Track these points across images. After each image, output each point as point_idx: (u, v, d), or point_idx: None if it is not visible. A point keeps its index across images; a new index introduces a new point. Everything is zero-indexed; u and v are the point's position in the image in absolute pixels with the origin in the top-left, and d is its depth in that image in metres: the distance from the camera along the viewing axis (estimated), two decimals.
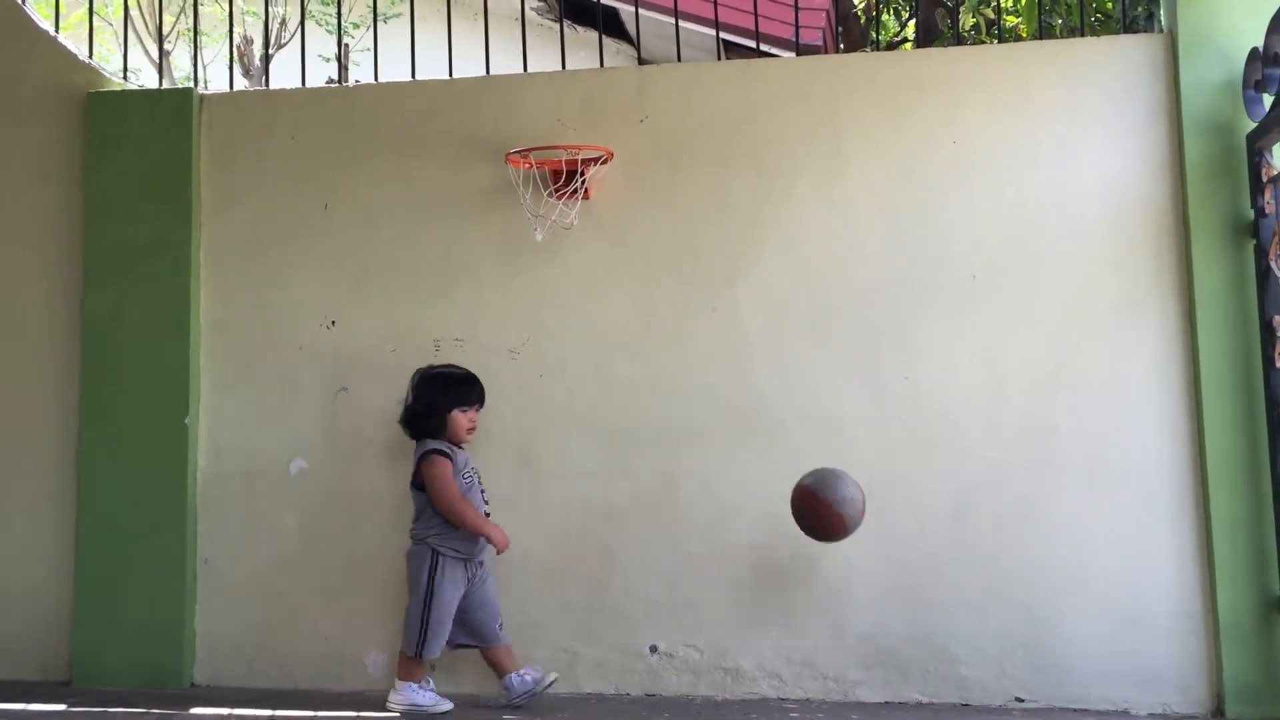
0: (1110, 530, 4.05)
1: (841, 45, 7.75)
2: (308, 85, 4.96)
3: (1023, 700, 4.04)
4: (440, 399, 4.09)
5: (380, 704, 4.09)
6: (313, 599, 4.48)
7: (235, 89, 5.28)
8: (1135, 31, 5.01)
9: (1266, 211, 3.89)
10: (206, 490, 4.58)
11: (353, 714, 4.04)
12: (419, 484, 4.06)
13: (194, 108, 4.70)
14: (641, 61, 5.81)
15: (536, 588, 4.36)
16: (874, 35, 5.99)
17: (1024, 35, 7.26)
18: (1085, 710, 3.96)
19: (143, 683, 4.42)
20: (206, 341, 4.64)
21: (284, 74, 6.10)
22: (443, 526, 4.00)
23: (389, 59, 5.13)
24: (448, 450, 4.03)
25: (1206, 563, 3.99)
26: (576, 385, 4.42)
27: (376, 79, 5.00)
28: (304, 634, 4.47)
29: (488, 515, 4.06)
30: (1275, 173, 3.86)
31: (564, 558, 4.36)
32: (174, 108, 4.71)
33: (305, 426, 4.56)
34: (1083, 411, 4.12)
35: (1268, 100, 3.87)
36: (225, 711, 4.08)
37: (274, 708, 4.13)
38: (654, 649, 4.28)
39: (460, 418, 4.09)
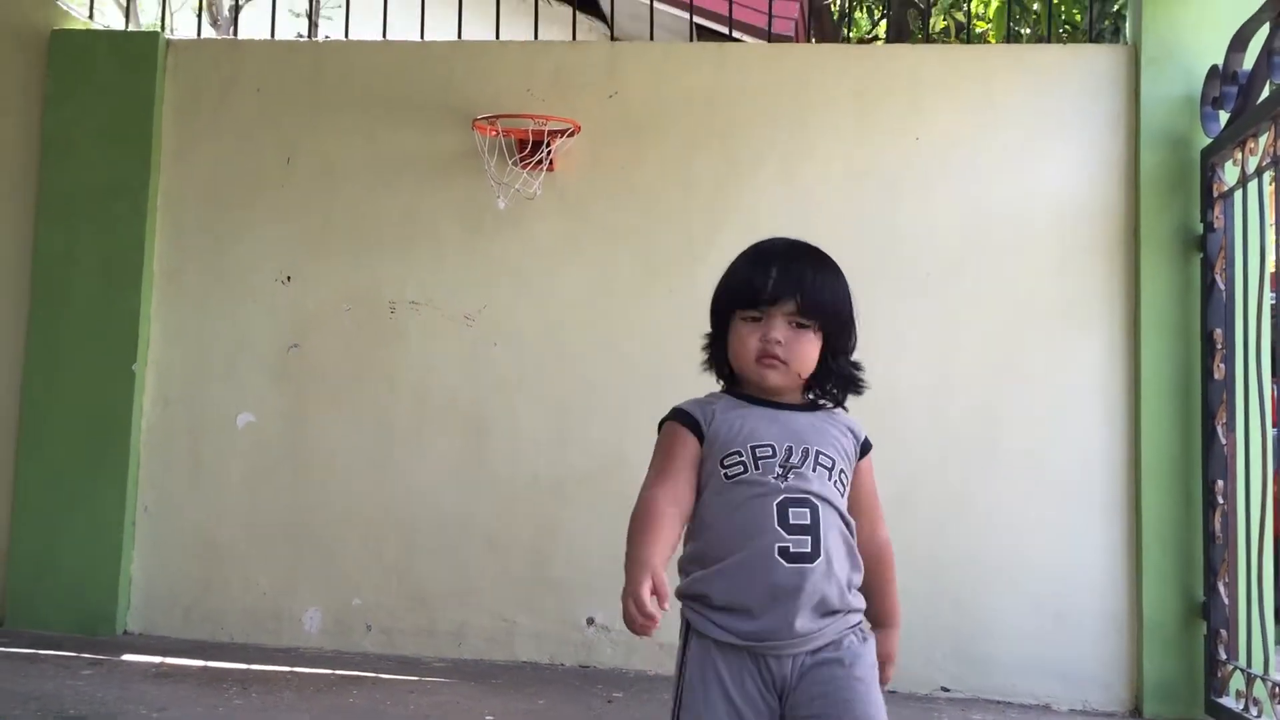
0: (1044, 527, 4.14)
1: (813, 38, 7.79)
2: (276, 38, 4.91)
3: (948, 690, 4.12)
4: (717, 297, 2.00)
5: (315, 660, 4.10)
6: (253, 553, 4.47)
7: (202, 37, 5.21)
8: (1101, 43, 5.09)
9: (1215, 226, 3.98)
10: (151, 439, 4.54)
11: (285, 669, 4.05)
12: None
13: (159, 52, 4.65)
14: (614, 40, 5.81)
15: (480, 555, 4.37)
16: (846, 30, 6.03)
17: (993, 41, 7.35)
18: (1008, 703, 4.05)
19: (75, 628, 4.39)
20: (159, 289, 4.59)
21: (252, 27, 6.04)
22: (700, 566, 1.85)
23: (360, 17, 5.10)
24: (696, 412, 1.91)
25: (1135, 564, 4.08)
26: (530, 355, 4.43)
27: (347, 36, 4.97)
28: (242, 588, 4.46)
29: (802, 553, 1.80)
30: (1226, 189, 3.94)
31: (508, 527, 4.38)
32: (139, 51, 4.65)
33: (254, 380, 4.53)
34: (1025, 410, 4.20)
35: (1223, 117, 3.96)
36: (156, 660, 4.06)
37: (206, 659, 4.13)
38: (591, 621, 4.32)
39: (744, 331, 1.90)
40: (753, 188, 4.41)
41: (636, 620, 1.67)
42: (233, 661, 4.11)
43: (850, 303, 1.94)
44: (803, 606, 1.73)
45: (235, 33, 5.35)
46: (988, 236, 4.29)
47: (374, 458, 4.45)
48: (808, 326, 1.86)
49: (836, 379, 1.92)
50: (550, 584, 4.34)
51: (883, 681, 1.84)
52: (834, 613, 1.78)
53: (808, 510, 1.77)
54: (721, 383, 1.97)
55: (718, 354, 1.93)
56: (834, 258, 1.97)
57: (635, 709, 3.75)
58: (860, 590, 1.85)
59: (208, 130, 4.64)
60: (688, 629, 1.82)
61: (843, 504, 1.83)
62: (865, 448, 1.93)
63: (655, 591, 1.67)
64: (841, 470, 1.85)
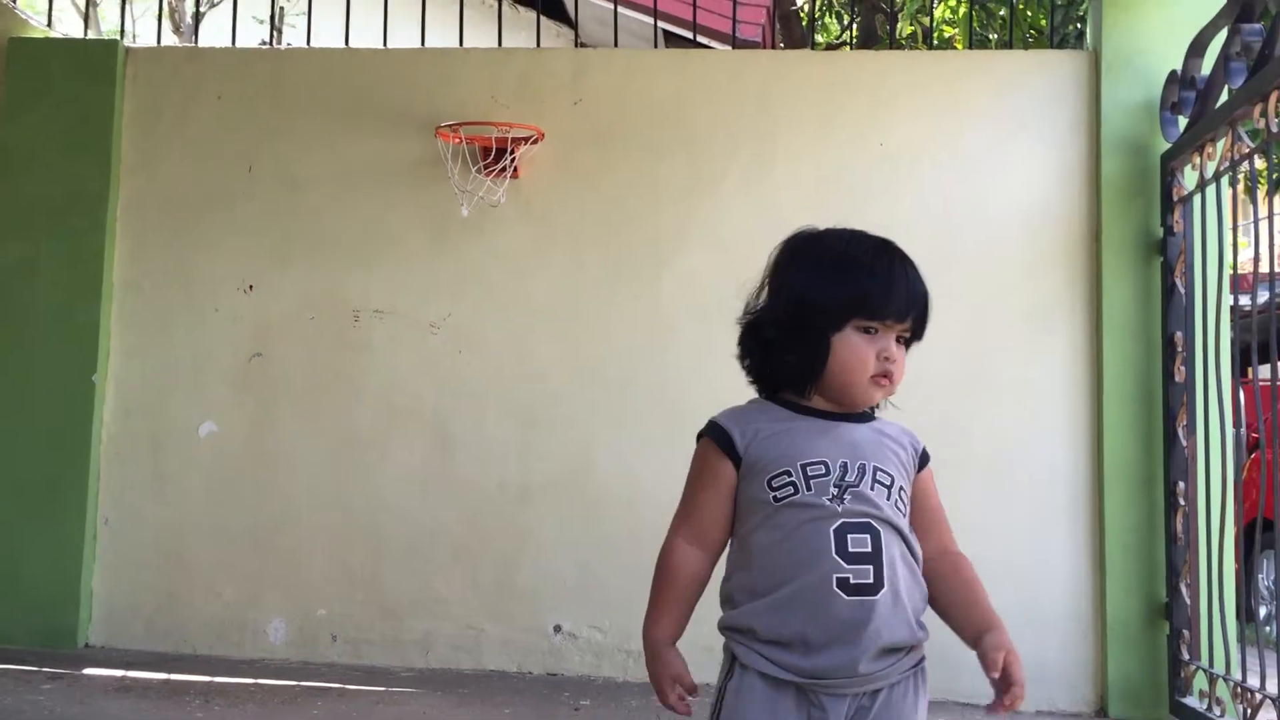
0: (1009, 530, 4.15)
1: (781, 44, 7.82)
2: (238, 45, 4.88)
3: None
4: (823, 298, 1.68)
5: (280, 671, 4.06)
6: (216, 564, 4.43)
7: (163, 45, 5.18)
8: (1065, 48, 5.12)
9: (1175, 230, 4.01)
10: (111, 450, 4.50)
11: (249, 681, 4.01)
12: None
13: (119, 60, 4.61)
14: (579, 45, 5.81)
15: (446, 564, 4.35)
16: (814, 37, 6.05)
17: (959, 47, 7.39)
18: (974, 705, 4.06)
19: (36, 642, 4.33)
20: (119, 300, 4.55)
21: (215, 34, 6.00)
22: (748, 596, 1.65)
23: (323, 24, 5.07)
24: (734, 430, 1.68)
25: (1098, 566, 4.10)
26: (496, 363, 4.42)
27: (309, 43, 4.94)
28: (205, 599, 4.42)
29: (864, 585, 1.60)
30: (1185, 193, 3.97)
31: (476, 535, 4.36)
32: (99, 59, 4.61)
33: (217, 390, 4.49)
34: (990, 414, 4.22)
35: (1182, 122, 3.99)
36: (118, 673, 4.02)
37: (170, 671, 4.08)
38: (558, 629, 4.30)
39: (860, 343, 1.66)
40: (718, 195, 4.41)
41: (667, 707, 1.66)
42: (196, 674, 4.07)
43: None
44: (868, 644, 1.55)
45: (196, 40, 5.31)
46: (953, 242, 4.30)
47: (339, 467, 4.42)
48: (904, 342, 1.69)
49: None
50: (517, 592, 4.32)
51: (1015, 693, 1.64)
52: (901, 650, 1.61)
53: (868, 536, 1.58)
54: (754, 387, 1.74)
55: (796, 361, 1.65)
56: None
57: (603, 716, 3.74)
58: (944, 609, 1.73)
59: (168, 139, 4.60)
60: (732, 660, 1.65)
61: (905, 525, 1.64)
62: (924, 459, 1.74)
63: (678, 681, 1.66)
64: (901, 487, 1.65)
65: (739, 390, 4.57)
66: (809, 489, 1.59)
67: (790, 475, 1.60)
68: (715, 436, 1.66)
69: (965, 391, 4.23)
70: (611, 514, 4.30)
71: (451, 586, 4.34)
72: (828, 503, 1.58)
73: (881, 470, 1.63)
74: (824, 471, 1.60)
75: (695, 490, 1.69)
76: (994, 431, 4.21)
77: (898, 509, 1.63)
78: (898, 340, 1.67)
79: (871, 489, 1.61)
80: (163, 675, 4.03)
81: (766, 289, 1.76)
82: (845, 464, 1.61)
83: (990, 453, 4.20)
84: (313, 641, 4.36)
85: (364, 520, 4.38)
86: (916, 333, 1.70)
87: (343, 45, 4.77)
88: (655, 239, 4.40)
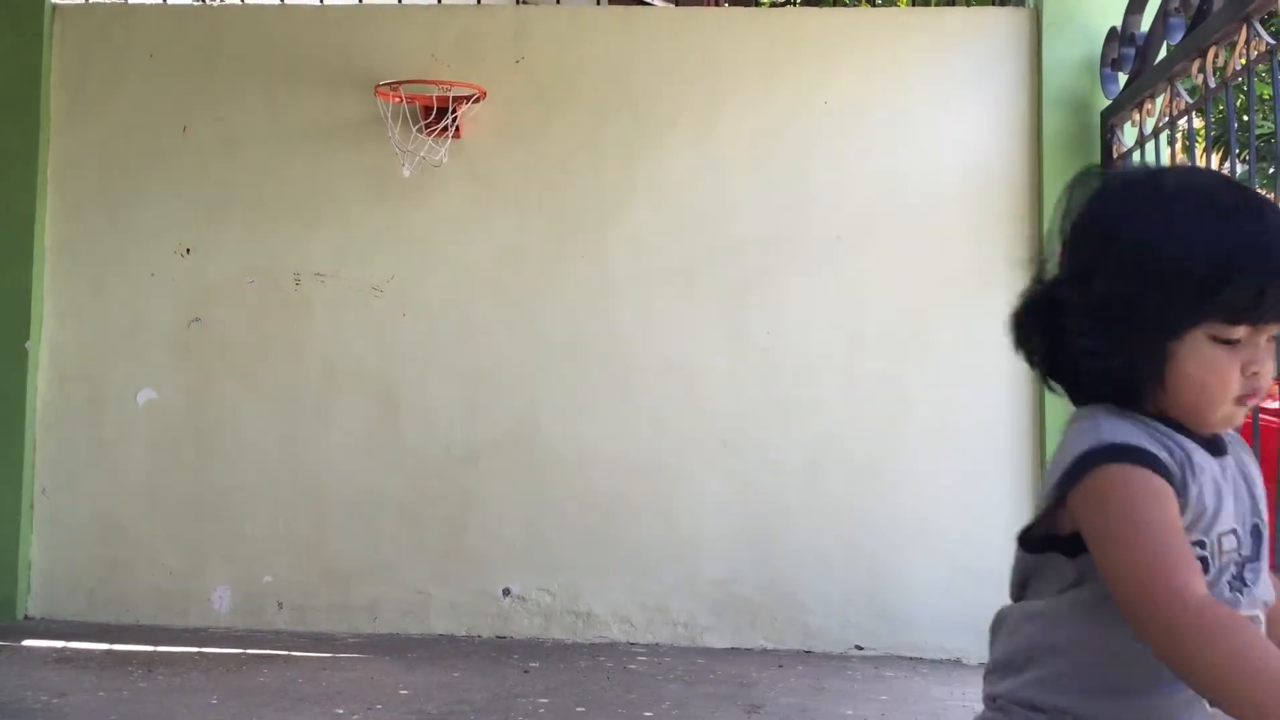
0: (954, 486, 4.20)
1: (727, 2, 7.76)
2: (170, 2, 4.75)
3: (862, 648, 4.17)
4: (1175, 285, 1.09)
5: (225, 640, 4.02)
6: (158, 533, 4.36)
7: (92, 1, 5.03)
8: (1006, 5, 5.13)
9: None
10: (47, 418, 4.40)
11: (194, 650, 3.96)
12: (1045, 543, 1.18)
13: (46, 17, 4.47)
14: (521, 2, 5.72)
15: (393, 529, 4.32)
16: None
17: (902, 4, 7.38)
18: (920, 659, 4.11)
19: None
20: (51, 264, 4.44)
21: None
22: (1077, 687, 1.13)
23: None
24: (1167, 459, 1.10)
25: None
26: (440, 326, 4.37)
27: (243, 1, 4.82)
28: (147, 568, 4.35)
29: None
30: (1125, 149, 4.01)
31: (422, 499, 4.33)
32: (23, 16, 4.47)
33: (155, 356, 4.41)
34: (934, 372, 4.25)
35: (1122, 79, 4.01)
36: (59, 644, 3.96)
37: (112, 642, 4.02)
38: (507, 591, 4.29)
39: (1219, 357, 1.11)
40: (663, 153, 4.37)
41: None
42: (139, 644, 4.01)
43: None
44: None
45: None
46: (896, 200, 4.31)
47: (282, 432, 4.36)
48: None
49: None
50: (465, 555, 4.30)
51: None
52: None
53: None
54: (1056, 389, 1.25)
55: (1134, 366, 1.12)
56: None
57: (551, 677, 3.74)
58: None
59: (99, 99, 4.48)
60: None
61: None
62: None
63: None
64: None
65: (682, 348, 4.57)
66: (1218, 571, 1.10)
67: (1205, 548, 1.09)
68: (1147, 461, 1.08)
69: (908, 351, 4.25)
70: (558, 476, 4.29)
71: (398, 551, 4.31)
72: (1229, 593, 1.10)
73: (1262, 528, 1.14)
74: (1235, 545, 1.11)
75: (1157, 524, 1.05)
76: (937, 389, 4.24)
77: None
78: (1273, 342, 1.12)
79: (1261, 559, 1.13)
80: (105, 646, 3.98)
81: (1070, 257, 1.18)
82: (1250, 529, 1.13)
83: (933, 410, 4.23)
84: (258, 609, 4.31)
85: (309, 486, 4.33)
86: None
87: (278, 2, 4.66)
88: (599, 198, 4.37)
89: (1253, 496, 1.14)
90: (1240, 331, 1.09)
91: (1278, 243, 1.08)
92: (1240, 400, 1.12)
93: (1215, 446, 1.14)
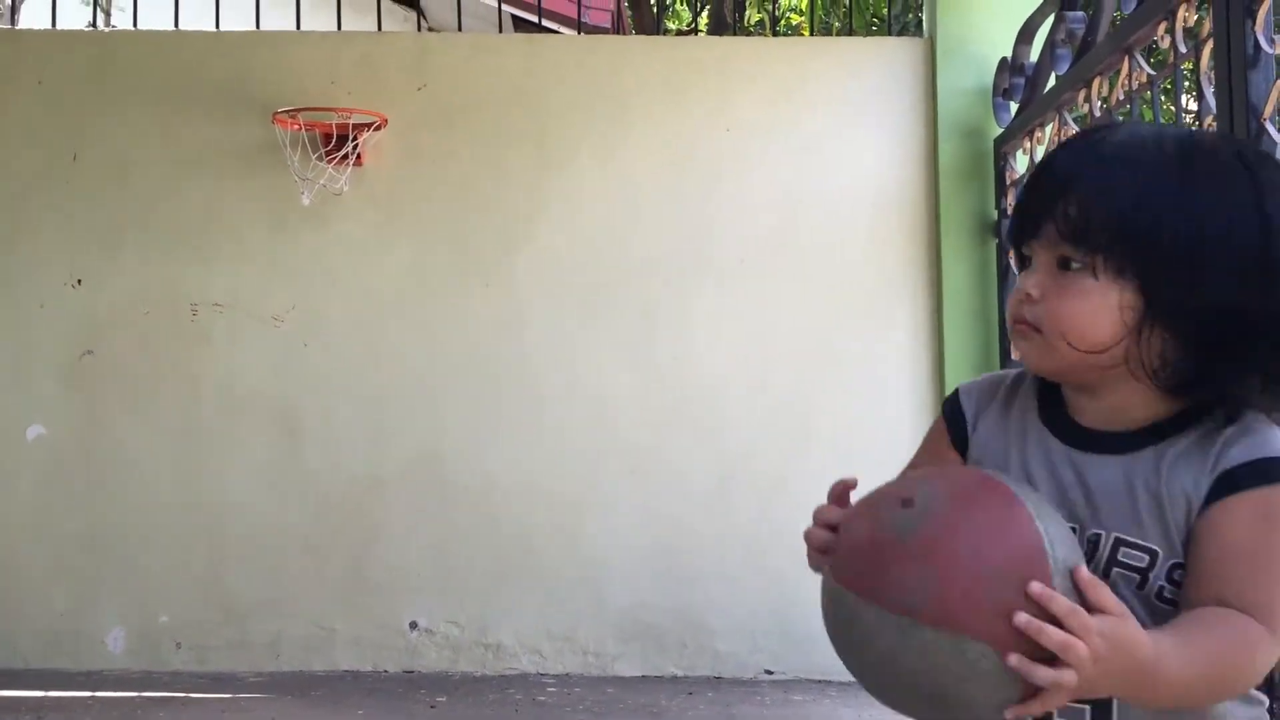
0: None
1: (632, 30, 7.81)
2: (59, 28, 4.63)
3: (771, 672, 4.19)
4: None
5: (120, 683, 3.89)
6: (48, 572, 4.21)
7: None
8: (905, 35, 5.25)
9: (1009, 213, 4.14)
10: None
11: (87, 694, 3.82)
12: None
13: None
14: (426, 30, 5.70)
15: (295, 561, 4.22)
16: (664, 23, 6.06)
17: (805, 34, 7.50)
18: (828, 681, 4.13)
19: None
20: None
21: (37, 17, 5.68)
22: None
23: (151, 6, 4.85)
24: None
25: None
26: (343, 354, 4.30)
27: (135, 25, 4.72)
28: (36, 609, 4.19)
29: None
30: (1018, 176, 4.11)
31: (324, 530, 4.24)
32: None
33: (45, 390, 4.27)
34: (838, 393, 4.29)
35: (1014, 107, 4.12)
36: None
37: None
38: (414, 625, 4.22)
39: None
40: (568, 179, 4.37)
41: None
42: (27, 689, 3.86)
43: (1192, 211, 1.01)
44: None
45: (15, 22, 5.02)
46: (799, 225, 4.36)
47: (178, 466, 4.25)
48: (1084, 266, 1.04)
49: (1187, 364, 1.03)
50: (370, 588, 4.23)
51: None
52: None
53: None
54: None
55: None
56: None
57: (459, 712, 3.69)
58: None
59: None
60: None
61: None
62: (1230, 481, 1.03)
63: None
64: (1170, 565, 1.04)
65: (589, 371, 4.57)
66: None
67: None
68: None
69: (813, 371, 4.30)
70: (463, 503, 4.24)
71: (300, 584, 4.22)
72: None
73: (1129, 546, 1.07)
74: None
75: None
76: (843, 410, 4.29)
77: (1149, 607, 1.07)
78: (1066, 266, 1.05)
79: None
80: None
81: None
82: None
83: (836, 430, 4.27)
84: (154, 649, 4.18)
85: (207, 520, 4.22)
86: (1130, 255, 1.02)
87: (173, 27, 4.57)
88: (505, 224, 4.35)
89: (1104, 504, 1.07)
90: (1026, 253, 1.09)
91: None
92: (1012, 328, 1.11)
93: (1151, 436, 1.06)
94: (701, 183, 4.38)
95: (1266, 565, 1.00)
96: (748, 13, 7.72)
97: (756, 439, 4.27)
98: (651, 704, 3.79)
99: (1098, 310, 1.03)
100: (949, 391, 4.04)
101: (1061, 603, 0.92)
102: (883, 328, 4.34)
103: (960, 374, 4.22)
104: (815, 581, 4.08)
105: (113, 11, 6.55)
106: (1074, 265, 1.04)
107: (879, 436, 4.27)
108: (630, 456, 4.23)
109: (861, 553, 1.04)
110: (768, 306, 4.33)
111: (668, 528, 4.25)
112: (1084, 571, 0.96)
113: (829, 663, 4.32)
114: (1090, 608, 0.93)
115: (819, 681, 4.12)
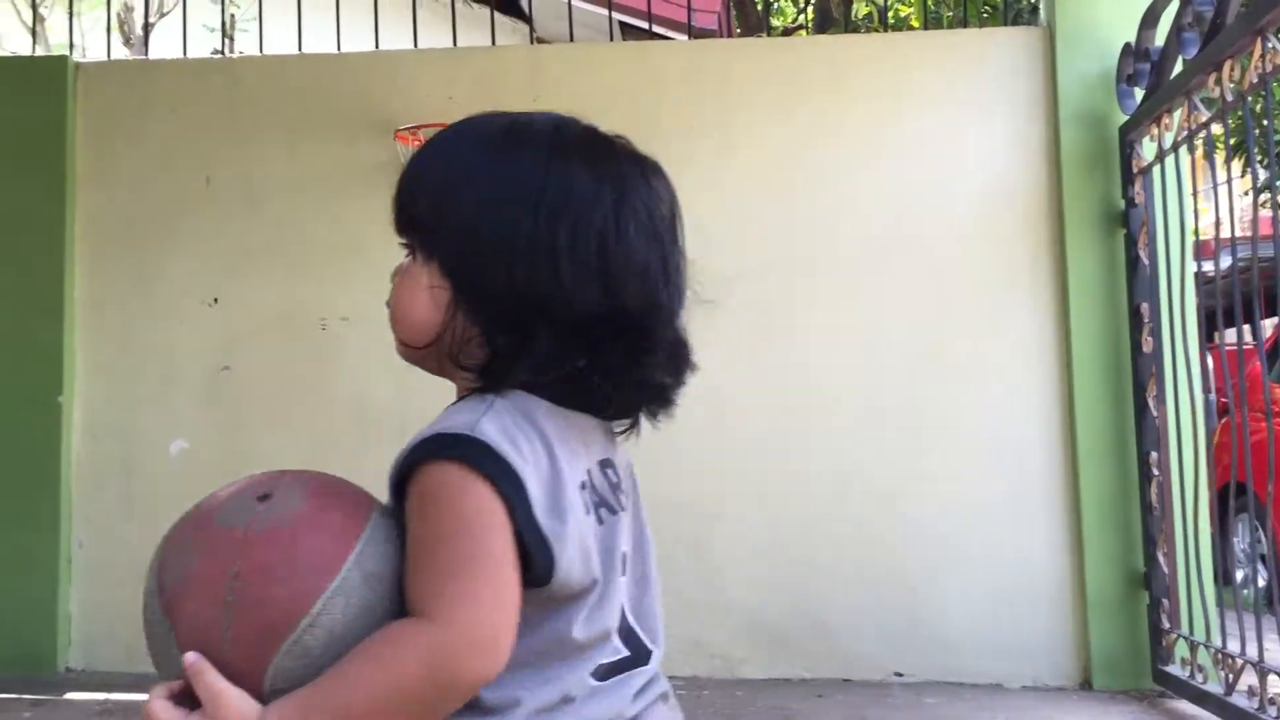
0: (986, 508, 4.17)
1: (738, 30, 7.80)
2: (189, 56, 4.82)
3: (901, 675, 4.14)
4: None
5: None
6: None
7: (113, 58, 5.11)
8: (1020, 25, 5.14)
9: (1136, 202, 4.03)
10: (82, 472, 4.44)
11: None
12: None
13: (69, 76, 4.54)
14: (535, 41, 5.77)
15: None
16: (770, 21, 6.04)
17: (915, 26, 7.40)
18: (961, 684, 4.07)
19: (16, 669, 4.27)
20: (82, 320, 4.49)
21: (166, 44, 5.93)
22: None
23: (275, 30, 5.02)
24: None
25: (1076, 539, 4.13)
26: None
27: (261, 51, 4.89)
28: None
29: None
30: (1145, 164, 3.99)
31: None
32: (47, 76, 4.55)
33: (186, 406, 4.45)
34: (960, 394, 4.23)
35: (1139, 94, 4.01)
36: (101, 696, 3.98)
37: None
38: None
39: None
40: (682, 184, 4.33)
41: None
42: None
43: (480, 188, 1.03)
44: None
45: (147, 52, 5.24)
46: (914, 224, 4.30)
47: None
48: (410, 252, 1.08)
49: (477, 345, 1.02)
50: None
51: None
52: None
53: None
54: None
55: None
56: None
57: None
58: None
59: (123, 154, 4.54)
60: None
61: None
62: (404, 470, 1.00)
63: None
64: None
65: (707, 376, 4.55)
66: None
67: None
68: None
69: (933, 373, 4.24)
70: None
71: None
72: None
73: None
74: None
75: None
76: (964, 411, 4.22)
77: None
78: (409, 256, 1.08)
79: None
80: (144, 696, 3.98)
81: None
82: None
83: (961, 432, 4.21)
84: None
85: None
86: (434, 240, 1.04)
87: (296, 51, 4.72)
88: None
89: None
90: None
91: None
92: None
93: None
94: (813, 187, 4.35)
95: (422, 553, 0.95)
96: (855, 6, 7.65)
97: (877, 441, 4.23)
98: (782, 706, 3.78)
99: (414, 292, 1.04)
100: (1078, 386, 3.92)
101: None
102: (1004, 327, 4.26)
103: (1089, 370, 4.13)
104: (942, 584, 4.05)
105: (237, 36, 6.79)
106: (406, 254, 1.06)
107: (1004, 438, 4.21)
108: (749, 461, 4.23)
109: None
110: (884, 307, 4.29)
111: (789, 531, 4.23)
112: (190, 658, 0.94)
113: (961, 664, 4.29)
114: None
115: (953, 684, 4.07)
